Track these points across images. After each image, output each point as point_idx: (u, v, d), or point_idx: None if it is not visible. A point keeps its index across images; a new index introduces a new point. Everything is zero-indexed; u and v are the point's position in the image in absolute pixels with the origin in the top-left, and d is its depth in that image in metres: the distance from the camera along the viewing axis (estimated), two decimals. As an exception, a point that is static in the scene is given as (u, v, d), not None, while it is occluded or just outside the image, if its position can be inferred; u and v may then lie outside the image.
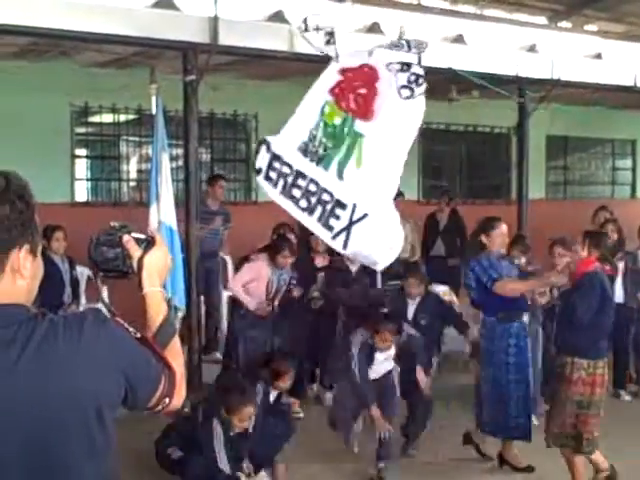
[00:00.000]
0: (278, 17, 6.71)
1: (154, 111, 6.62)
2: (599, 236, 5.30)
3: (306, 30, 5.70)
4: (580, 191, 13.58)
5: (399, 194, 7.96)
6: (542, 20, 9.50)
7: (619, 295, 6.94)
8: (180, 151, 6.98)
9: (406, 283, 6.93)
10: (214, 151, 10.39)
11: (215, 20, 6.18)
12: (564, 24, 9.74)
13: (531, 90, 8.72)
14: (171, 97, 6.67)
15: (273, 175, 5.17)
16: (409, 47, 4.99)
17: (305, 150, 5.07)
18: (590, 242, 5.08)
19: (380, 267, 5.30)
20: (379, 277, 7.30)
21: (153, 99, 6.65)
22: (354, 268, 7.04)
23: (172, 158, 8.34)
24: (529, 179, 8.95)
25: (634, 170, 14.31)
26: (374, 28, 7.25)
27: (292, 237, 7.04)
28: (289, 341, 6.76)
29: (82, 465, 1.62)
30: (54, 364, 1.58)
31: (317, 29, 5.58)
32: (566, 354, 4.99)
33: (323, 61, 5.49)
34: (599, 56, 9.15)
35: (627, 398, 7.38)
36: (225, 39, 6.27)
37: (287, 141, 5.19)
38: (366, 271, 6.90)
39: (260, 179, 5.33)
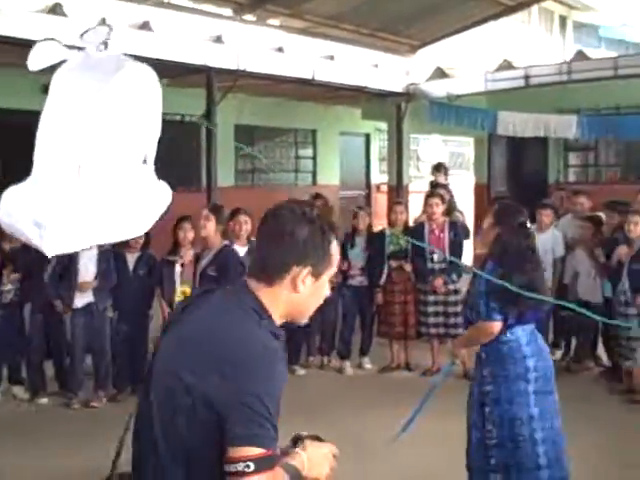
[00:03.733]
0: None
1: None
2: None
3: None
4: (267, 178, 14.21)
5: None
6: (227, 12, 9.74)
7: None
8: None
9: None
10: None
11: None
12: (249, 17, 10.07)
13: (218, 80, 8.94)
14: None
15: None
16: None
17: None
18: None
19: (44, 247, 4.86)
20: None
21: None
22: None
23: None
24: (218, 167, 9.19)
25: (314, 158, 15.30)
26: (56, 10, 6.94)
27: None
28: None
29: None
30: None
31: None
32: None
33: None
34: (281, 50, 9.63)
35: (302, 372, 7.59)
36: None
37: None
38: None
39: None
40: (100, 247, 6.68)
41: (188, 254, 6.30)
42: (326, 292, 2.06)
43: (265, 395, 1.83)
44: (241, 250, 6.83)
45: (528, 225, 4.07)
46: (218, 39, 8.77)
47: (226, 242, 5.75)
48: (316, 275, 1.97)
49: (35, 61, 4.58)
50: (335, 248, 2.02)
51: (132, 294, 6.79)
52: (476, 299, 3.87)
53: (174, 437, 1.88)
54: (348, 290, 7.65)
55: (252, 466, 1.83)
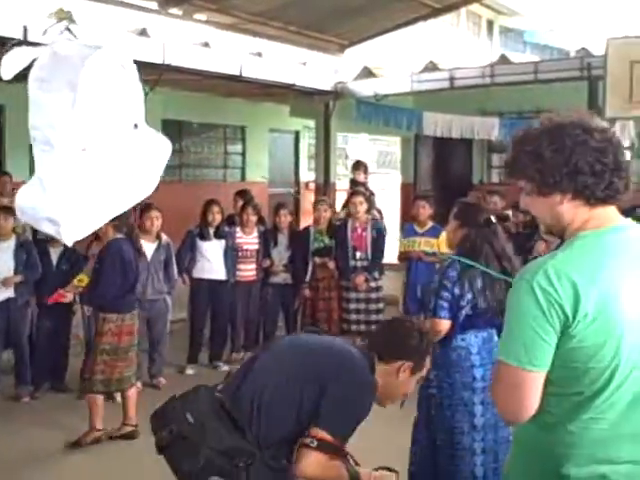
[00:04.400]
0: None
1: None
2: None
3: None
4: (194, 174, 14.12)
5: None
6: (153, 5, 9.63)
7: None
8: None
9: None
10: None
11: None
12: (174, 11, 9.99)
13: (144, 74, 8.84)
14: None
15: None
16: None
17: None
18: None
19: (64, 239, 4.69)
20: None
21: None
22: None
23: None
24: (144, 162, 9.10)
25: (244, 154, 15.27)
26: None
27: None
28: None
29: None
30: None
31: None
32: (97, 310, 5.65)
33: None
34: (207, 45, 9.58)
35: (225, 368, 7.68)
36: None
37: None
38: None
39: None
40: (17, 239, 6.56)
41: (97, 246, 6.23)
42: (410, 390, 2.94)
43: (355, 417, 2.63)
44: (150, 246, 6.81)
45: (493, 221, 4.08)
46: (143, 32, 8.67)
47: (118, 236, 5.69)
48: (412, 372, 2.85)
49: (8, 70, 4.46)
50: (429, 361, 2.95)
51: (55, 289, 6.65)
52: (429, 296, 3.88)
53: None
54: (271, 287, 7.70)
55: (315, 443, 2.52)
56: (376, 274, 7.46)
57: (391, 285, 8.45)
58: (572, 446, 1.97)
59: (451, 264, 3.86)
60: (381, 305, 7.50)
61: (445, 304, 3.78)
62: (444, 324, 3.80)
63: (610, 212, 2.03)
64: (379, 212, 8.37)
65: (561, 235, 2.08)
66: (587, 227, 2.00)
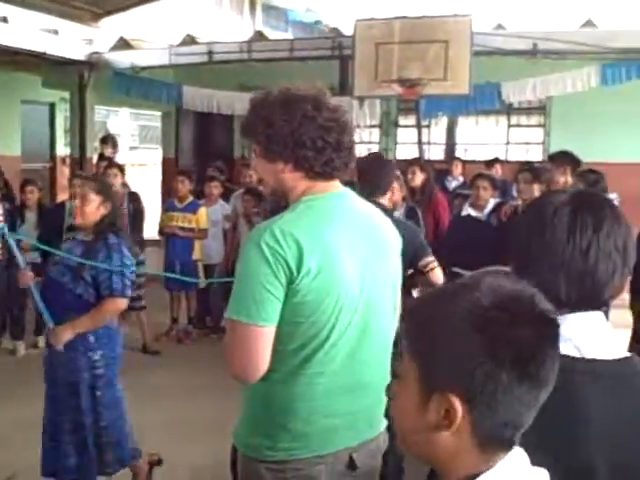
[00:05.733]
0: None
1: None
2: None
3: None
4: None
5: None
6: None
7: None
8: None
9: None
10: None
11: None
12: None
13: None
14: None
15: None
16: None
17: None
18: None
19: None
20: None
21: None
22: None
23: None
24: None
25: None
26: None
27: None
28: None
29: None
30: None
31: None
32: None
33: None
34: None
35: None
36: None
37: None
38: None
39: None
40: None
41: None
42: None
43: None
44: None
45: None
46: None
47: None
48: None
49: None
50: None
51: None
52: (105, 274, 3.70)
53: None
54: (17, 267, 7.27)
55: (436, 263, 3.96)
56: (137, 249, 7.32)
57: (155, 261, 8.36)
58: (299, 400, 2.07)
59: (120, 242, 3.84)
60: (142, 280, 7.38)
61: (129, 282, 3.79)
62: (126, 302, 3.83)
63: (330, 183, 2.15)
64: (127, 185, 8.21)
65: (285, 198, 2.18)
66: (310, 193, 2.11)
